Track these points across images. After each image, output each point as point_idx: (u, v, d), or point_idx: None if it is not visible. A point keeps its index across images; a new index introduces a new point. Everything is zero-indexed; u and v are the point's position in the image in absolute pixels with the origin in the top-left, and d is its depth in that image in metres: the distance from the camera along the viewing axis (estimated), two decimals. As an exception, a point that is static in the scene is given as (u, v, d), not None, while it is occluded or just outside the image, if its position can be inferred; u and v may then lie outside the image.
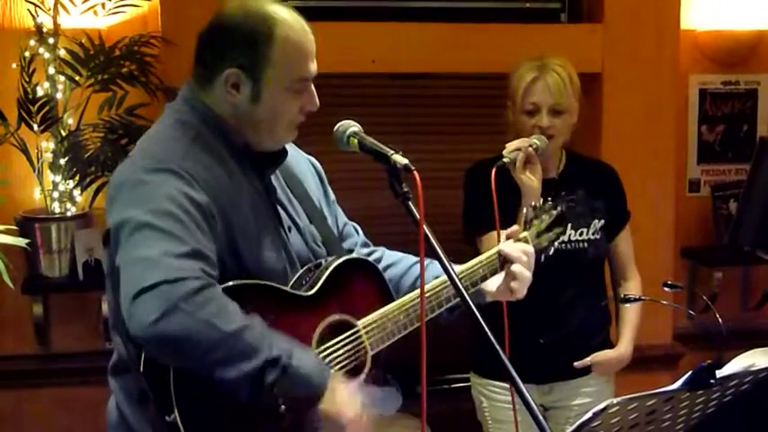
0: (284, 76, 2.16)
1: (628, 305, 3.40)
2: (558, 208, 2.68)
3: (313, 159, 2.53)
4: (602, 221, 3.25)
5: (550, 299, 3.18)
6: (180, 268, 1.89)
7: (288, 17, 2.18)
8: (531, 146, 3.10)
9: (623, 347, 3.38)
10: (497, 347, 1.88)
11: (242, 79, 2.15)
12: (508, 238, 2.50)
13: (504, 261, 2.42)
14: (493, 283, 2.44)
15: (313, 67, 2.21)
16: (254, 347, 1.92)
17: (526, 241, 2.52)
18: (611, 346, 3.41)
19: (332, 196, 2.52)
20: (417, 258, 2.41)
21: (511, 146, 3.11)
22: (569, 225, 2.73)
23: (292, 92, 2.18)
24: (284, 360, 1.94)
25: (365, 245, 2.55)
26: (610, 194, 3.31)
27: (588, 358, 3.31)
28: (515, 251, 2.42)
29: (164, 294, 1.85)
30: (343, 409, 2.02)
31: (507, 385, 3.07)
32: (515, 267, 2.40)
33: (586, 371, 3.33)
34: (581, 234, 3.25)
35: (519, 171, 3.08)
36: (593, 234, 3.28)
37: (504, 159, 3.06)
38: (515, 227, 2.55)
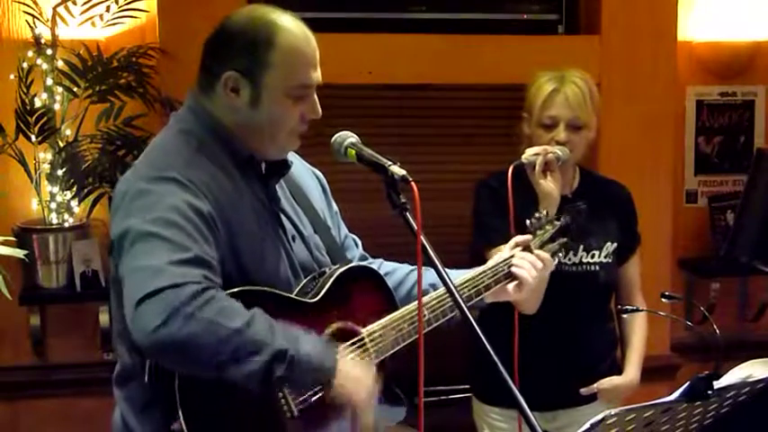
0: (284, 82, 2.16)
1: (634, 331, 3.26)
2: (563, 219, 2.68)
3: (317, 171, 2.53)
4: (615, 244, 3.16)
5: (559, 322, 3.03)
6: (182, 274, 1.89)
7: (291, 24, 2.18)
8: (551, 153, 2.98)
9: (631, 374, 3.21)
10: (500, 367, 1.85)
11: (241, 83, 2.15)
12: (516, 245, 2.51)
13: (510, 271, 2.44)
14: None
15: (315, 75, 2.20)
16: (259, 342, 1.91)
17: (531, 250, 2.53)
18: (619, 370, 3.25)
19: (335, 207, 2.53)
20: (413, 267, 2.43)
21: (531, 150, 2.99)
22: (573, 239, 2.71)
23: (292, 98, 2.17)
24: (291, 353, 1.93)
25: (363, 258, 2.54)
26: (624, 216, 3.23)
27: (595, 385, 3.15)
28: (518, 258, 2.45)
29: (165, 300, 1.86)
30: (355, 392, 2.04)
31: (510, 413, 3.03)
32: (516, 270, 2.43)
33: (592, 398, 3.17)
34: (593, 257, 3.12)
35: (538, 175, 2.95)
36: (605, 257, 3.15)
37: (523, 160, 2.95)
38: (527, 236, 2.56)
